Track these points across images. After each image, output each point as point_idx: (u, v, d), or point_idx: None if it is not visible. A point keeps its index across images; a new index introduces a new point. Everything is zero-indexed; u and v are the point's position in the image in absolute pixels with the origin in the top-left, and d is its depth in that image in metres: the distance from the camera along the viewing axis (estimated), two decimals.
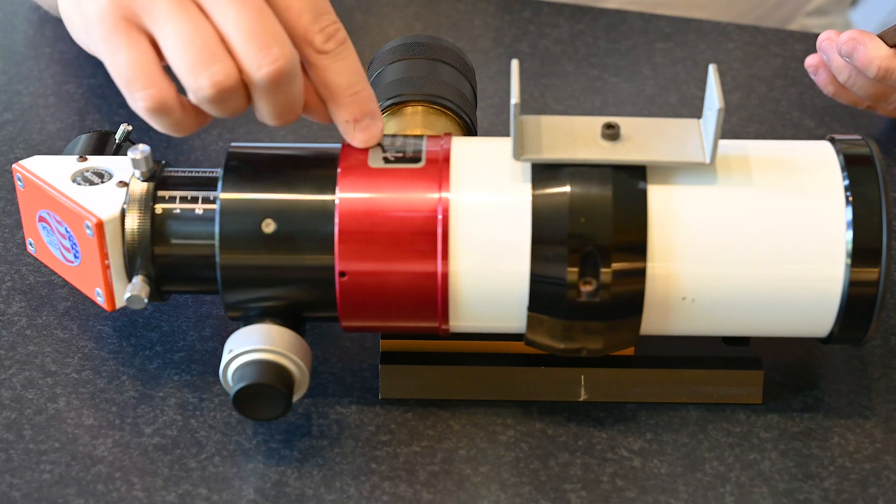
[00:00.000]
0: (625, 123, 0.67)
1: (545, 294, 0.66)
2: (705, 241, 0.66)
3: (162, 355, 0.74)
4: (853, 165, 0.67)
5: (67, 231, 0.70)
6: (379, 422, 0.70)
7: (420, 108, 0.74)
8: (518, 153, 0.66)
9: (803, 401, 0.72)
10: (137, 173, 0.69)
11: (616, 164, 0.66)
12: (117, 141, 0.76)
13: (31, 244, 0.74)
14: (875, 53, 0.83)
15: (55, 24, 1.02)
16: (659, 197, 0.66)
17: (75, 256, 0.71)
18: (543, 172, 0.66)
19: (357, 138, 0.67)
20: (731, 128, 0.92)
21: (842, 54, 0.84)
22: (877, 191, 0.67)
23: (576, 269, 0.65)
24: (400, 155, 0.68)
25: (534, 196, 0.66)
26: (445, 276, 0.66)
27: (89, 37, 0.66)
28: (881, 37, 0.84)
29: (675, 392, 0.72)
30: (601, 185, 0.66)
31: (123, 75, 0.64)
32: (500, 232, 0.66)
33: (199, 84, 0.63)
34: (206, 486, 0.67)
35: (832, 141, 0.69)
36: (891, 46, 0.83)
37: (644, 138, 0.67)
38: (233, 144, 0.70)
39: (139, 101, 0.64)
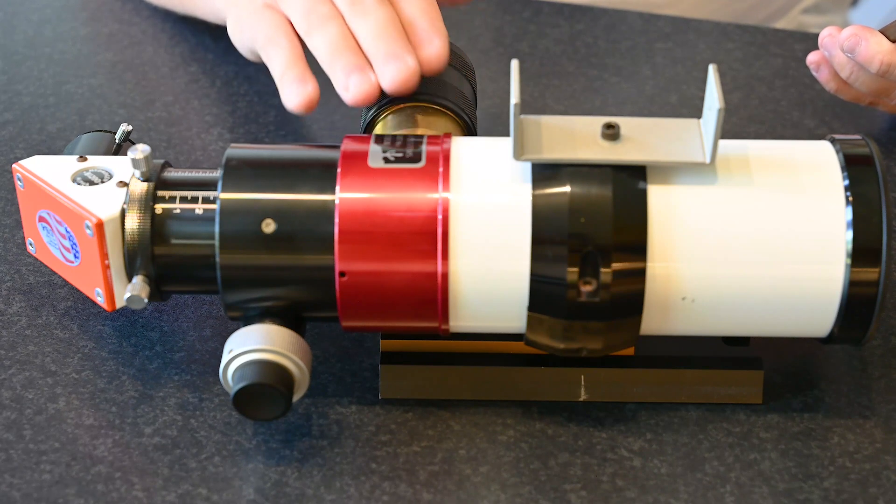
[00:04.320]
0: (625, 123, 0.67)
1: (545, 294, 0.66)
2: (705, 241, 0.66)
3: (162, 355, 0.74)
4: (853, 165, 0.67)
5: (67, 231, 0.70)
6: (379, 422, 0.70)
7: (420, 107, 0.74)
8: (518, 153, 0.66)
9: (803, 401, 0.72)
10: (137, 173, 0.69)
11: (616, 164, 0.66)
12: (117, 141, 0.76)
13: (31, 244, 0.74)
14: (877, 49, 0.83)
15: (55, 24, 1.02)
16: (659, 197, 0.66)
17: (75, 256, 0.71)
18: (543, 172, 0.66)
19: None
20: (731, 128, 0.92)
21: (844, 50, 0.84)
22: (877, 191, 0.66)
23: (576, 269, 0.65)
24: (400, 155, 0.68)
25: (534, 196, 0.66)
26: (445, 276, 0.66)
27: (243, 35, 0.79)
28: (883, 32, 0.84)
29: (675, 392, 0.72)
30: (601, 185, 0.66)
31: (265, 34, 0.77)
32: (500, 232, 0.66)
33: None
34: (206, 486, 0.67)
35: (832, 141, 0.69)
36: (893, 41, 0.83)
37: (644, 138, 0.67)
38: (233, 144, 0.70)
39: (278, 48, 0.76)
